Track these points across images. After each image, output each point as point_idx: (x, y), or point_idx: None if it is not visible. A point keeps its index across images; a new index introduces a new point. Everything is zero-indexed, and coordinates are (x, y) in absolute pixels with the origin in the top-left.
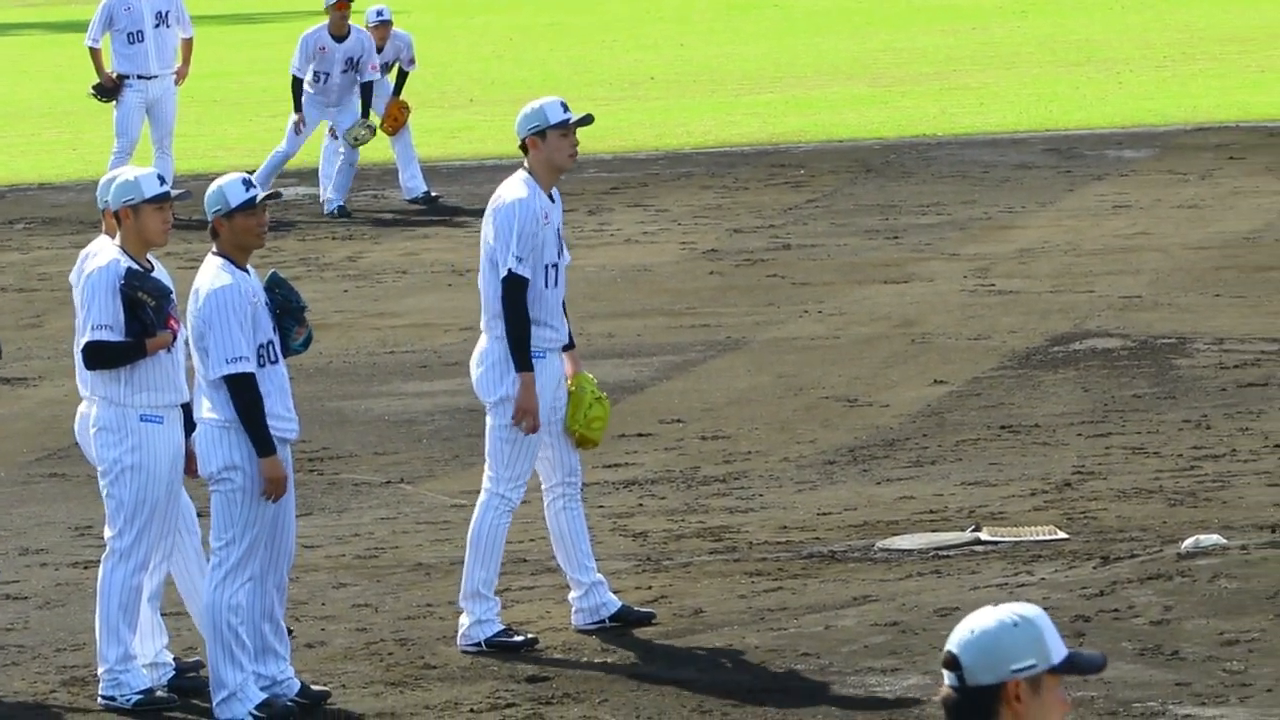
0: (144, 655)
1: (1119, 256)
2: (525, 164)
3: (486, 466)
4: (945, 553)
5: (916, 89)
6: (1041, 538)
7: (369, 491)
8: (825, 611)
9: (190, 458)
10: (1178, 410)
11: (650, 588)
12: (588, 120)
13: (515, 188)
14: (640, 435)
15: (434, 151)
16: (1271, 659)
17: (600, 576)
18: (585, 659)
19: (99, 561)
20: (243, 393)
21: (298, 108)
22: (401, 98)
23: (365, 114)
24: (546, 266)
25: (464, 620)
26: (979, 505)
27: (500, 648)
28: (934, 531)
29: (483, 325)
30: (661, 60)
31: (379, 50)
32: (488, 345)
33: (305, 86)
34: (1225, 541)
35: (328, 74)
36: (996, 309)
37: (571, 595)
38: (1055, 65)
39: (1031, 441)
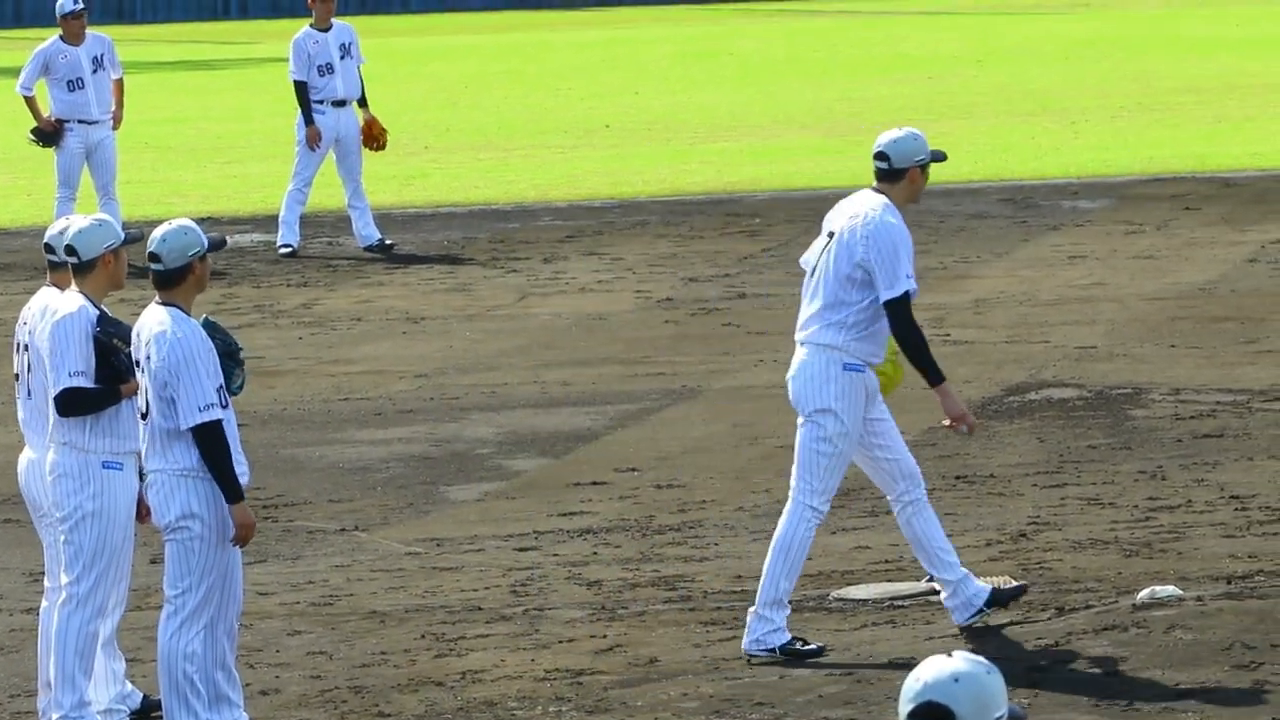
0: (99, 701)
1: (1074, 307)
2: (880, 188)
3: (796, 478)
4: (900, 603)
5: (872, 139)
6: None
7: (323, 539)
8: (780, 661)
9: (141, 505)
10: (1133, 461)
11: (605, 636)
12: (943, 156)
13: (889, 211)
14: (595, 484)
15: (388, 199)
16: (1226, 711)
17: (965, 570)
18: (540, 709)
19: (49, 607)
20: (213, 440)
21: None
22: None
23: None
24: None
25: (756, 627)
26: None
27: (794, 654)
28: (889, 581)
29: (799, 338)
30: (616, 108)
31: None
32: (807, 357)
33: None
34: (1181, 593)
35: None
36: (952, 359)
37: (942, 596)
38: (1011, 115)
39: (987, 492)
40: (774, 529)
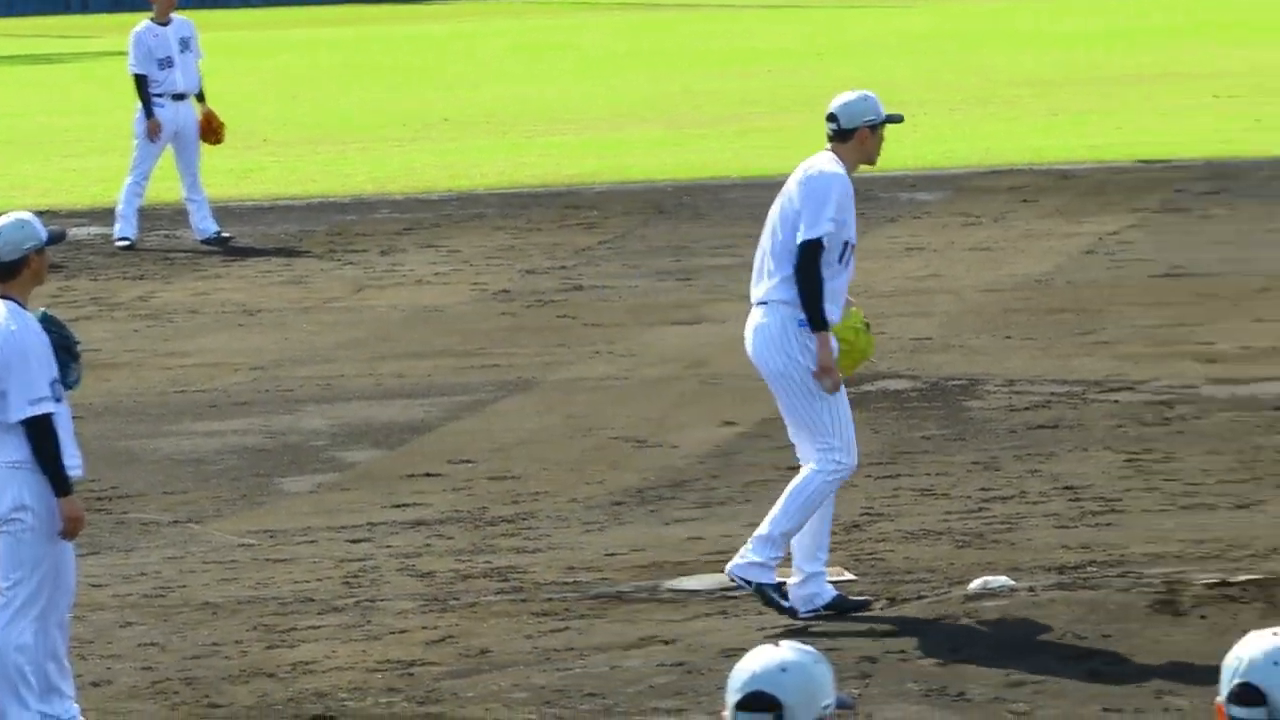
0: None
1: (911, 298)
2: (832, 148)
3: (812, 441)
4: (732, 594)
5: (712, 131)
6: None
7: (157, 531)
8: (611, 651)
9: None
10: (967, 452)
11: (437, 628)
12: (899, 119)
13: (831, 163)
14: (429, 475)
15: (226, 192)
16: (1058, 700)
17: (824, 570)
18: (371, 700)
19: None
20: (44, 433)
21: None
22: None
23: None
24: (845, 243)
25: (744, 551)
26: None
27: (765, 600)
28: (721, 572)
29: (754, 298)
30: (455, 101)
31: None
32: (763, 317)
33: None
34: (1013, 583)
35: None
36: None
37: (790, 581)
38: None
39: None
40: (606, 521)
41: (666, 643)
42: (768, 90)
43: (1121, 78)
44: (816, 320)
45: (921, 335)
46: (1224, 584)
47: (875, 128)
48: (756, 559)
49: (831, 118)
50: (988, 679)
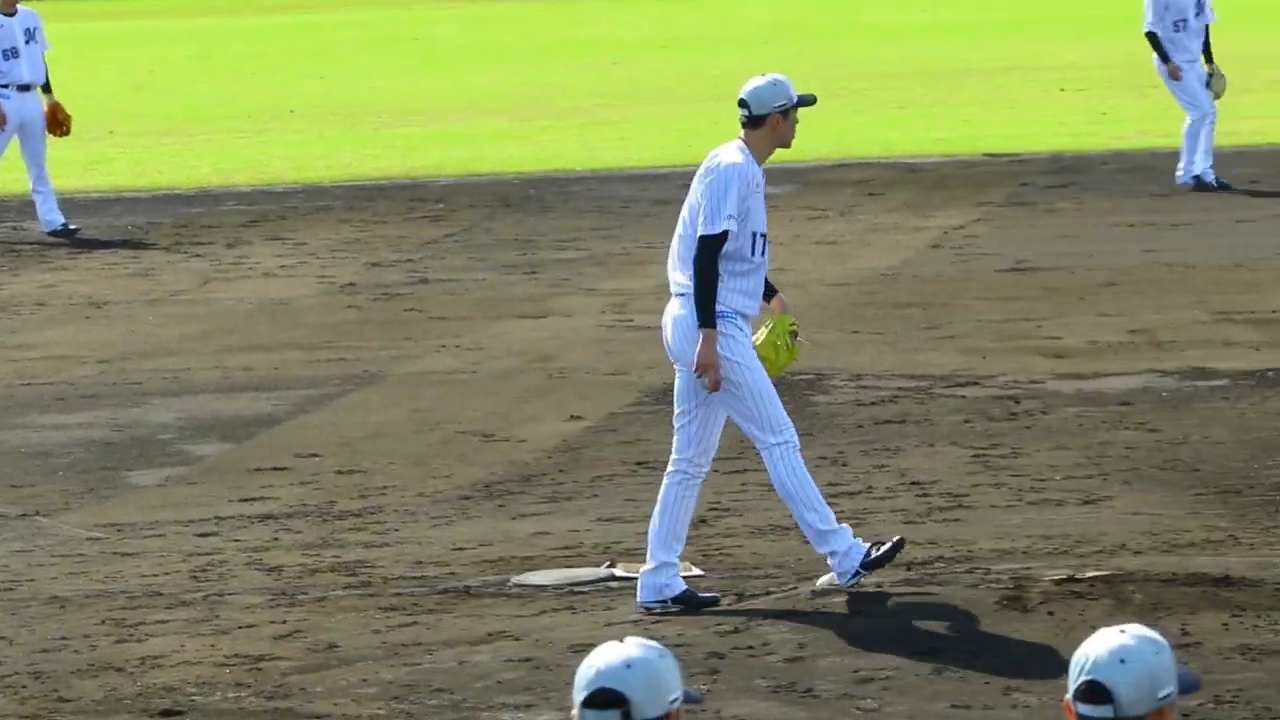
0: None
1: None
2: (744, 135)
3: (747, 431)
4: (580, 589)
5: (558, 124)
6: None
7: (4, 524)
8: (459, 647)
9: None
10: (815, 447)
11: (285, 622)
12: (811, 100)
13: (734, 153)
14: (276, 469)
15: (72, 183)
16: (905, 696)
17: (678, 563)
18: (219, 695)
19: None
20: None
21: None
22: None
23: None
24: (755, 234)
25: (832, 561)
26: (615, 541)
27: (874, 563)
28: (569, 567)
29: (672, 288)
30: (302, 93)
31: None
32: (679, 309)
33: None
34: (860, 579)
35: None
36: (634, 344)
37: (641, 569)
38: (697, 100)
39: None
40: (454, 515)
41: (514, 638)
42: (614, 83)
43: (969, 71)
44: (704, 317)
45: None
46: (1071, 580)
47: (786, 112)
48: (831, 555)
49: (742, 104)
50: (836, 675)
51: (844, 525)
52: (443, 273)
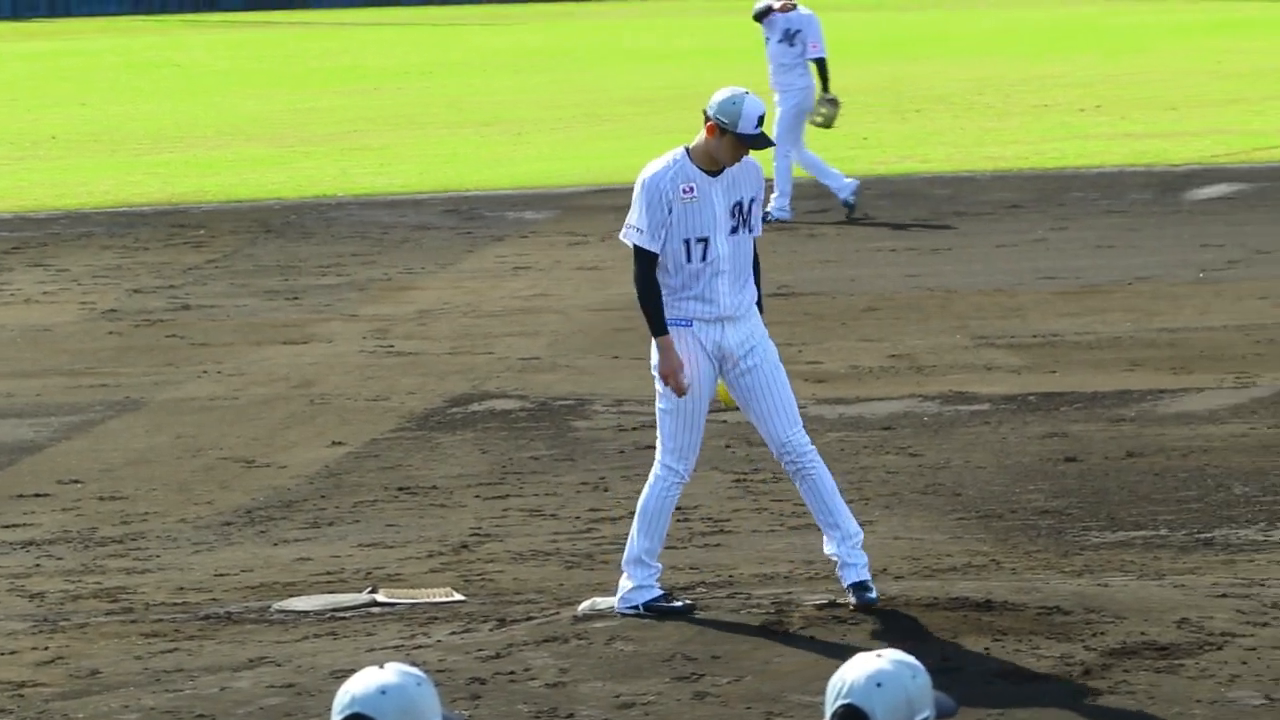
0: None
1: (518, 318)
2: (701, 137)
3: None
4: (342, 614)
5: (318, 150)
6: (438, 600)
7: None
8: (221, 673)
9: None
10: (576, 472)
11: (47, 649)
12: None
13: (658, 162)
14: (38, 496)
15: None
16: None
17: (658, 566)
18: None
19: None
20: None
21: None
22: None
23: None
24: (687, 240)
25: (624, 584)
26: (376, 567)
27: (659, 612)
28: (331, 593)
29: None
30: (63, 119)
31: None
32: None
33: None
34: None
35: None
36: (395, 370)
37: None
38: (458, 126)
39: (429, 503)
40: (216, 541)
41: (276, 664)
42: (373, 109)
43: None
44: (651, 326)
45: (529, 355)
46: (833, 605)
47: (724, 132)
48: (630, 584)
49: (708, 105)
50: (597, 700)
51: (659, 567)
52: (204, 299)
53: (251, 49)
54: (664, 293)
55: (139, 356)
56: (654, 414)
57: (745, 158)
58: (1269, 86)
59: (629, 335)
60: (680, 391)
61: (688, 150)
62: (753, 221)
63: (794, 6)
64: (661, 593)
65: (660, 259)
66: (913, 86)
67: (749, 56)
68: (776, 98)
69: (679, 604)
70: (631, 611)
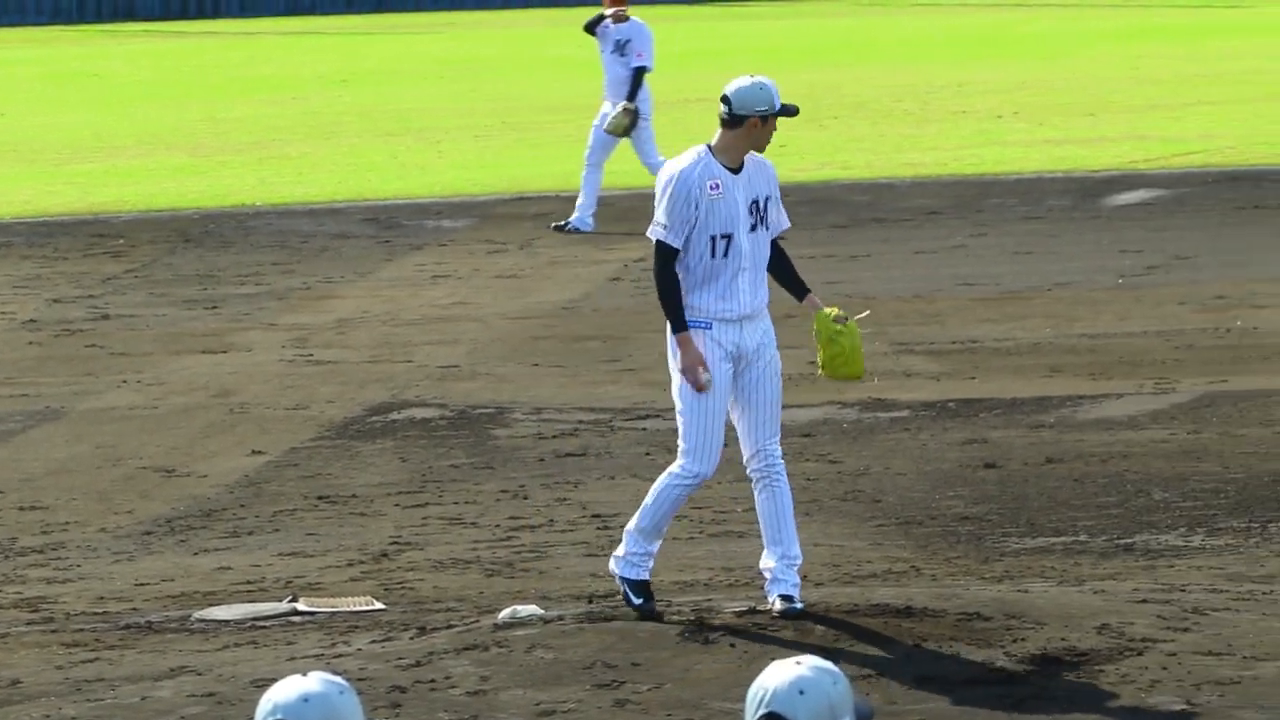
0: None
1: (437, 326)
2: (720, 134)
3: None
4: (262, 623)
5: (236, 159)
6: (358, 608)
7: None
8: (142, 682)
9: None
10: (495, 480)
11: None
12: (794, 111)
13: (683, 159)
14: None
15: None
16: None
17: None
18: None
19: None
20: None
21: None
22: None
23: None
24: (714, 237)
25: (620, 547)
26: (296, 576)
27: (626, 593)
28: (251, 602)
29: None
30: None
31: None
32: None
33: None
34: (542, 612)
35: None
36: (315, 379)
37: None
38: (376, 135)
39: (349, 512)
40: (136, 550)
41: (197, 673)
42: (289, 117)
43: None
44: (672, 322)
45: (449, 363)
46: (753, 612)
47: (767, 118)
48: (620, 551)
49: (725, 100)
50: (518, 708)
51: (650, 551)
52: (124, 308)
53: (171, 59)
54: (689, 286)
55: (59, 366)
56: (574, 423)
57: (760, 160)
58: (1188, 92)
59: (548, 343)
60: (699, 387)
61: (710, 148)
62: (769, 219)
63: (626, 18)
64: (643, 580)
65: (681, 256)
66: (831, 93)
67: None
68: (606, 107)
69: (639, 601)
70: (617, 574)
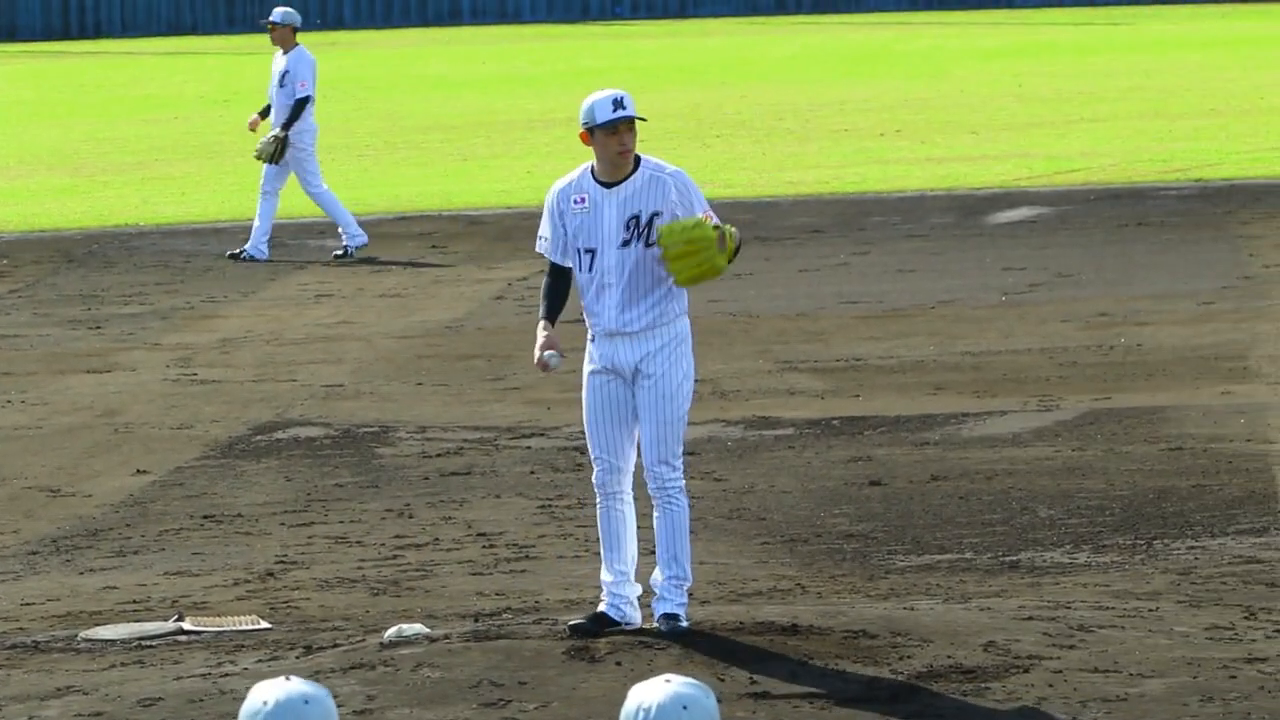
0: None
1: (321, 345)
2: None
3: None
4: (148, 643)
5: (119, 179)
6: (244, 628)
7: None
8: (29, 702)
9: None
10: (381, 499)
11: None
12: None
13: (567, 177)
14: None
15: None
16: None
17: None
18: None
19: None
20: None
21: None
22: None
23: None
24: (578, 251)
25: (681, 596)
26: (182, 595)
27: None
28: (138, 621)
29: None
30: None
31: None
32: None
33: None
34: (428, 631)
35: None
36: (199, 398)
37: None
38: None
39: (234, 531)
40: (21, 570)
41: (84, 693)
42: (173, 137)
43: (530, 122)
44: (542, 312)
45: (333, 382)
46: (639, 630)
47: (593, 131)
48: (683, 598)
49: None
50: None
51: (615, 580)
52: (7, 328)
53: (52, 78)
54: (583, 301)
55: None
56: (458, 441)
57: (657, 175)
58: (1071, 109)
59: (432, 362)
60: (539, 365)
61: (592, 165)
62: (653, 236)
63: (294, 46)
64: (600, 613)
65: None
66: (713, 113)
67: (546, 82)
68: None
69: (583, 621)
70: (682, 615)
